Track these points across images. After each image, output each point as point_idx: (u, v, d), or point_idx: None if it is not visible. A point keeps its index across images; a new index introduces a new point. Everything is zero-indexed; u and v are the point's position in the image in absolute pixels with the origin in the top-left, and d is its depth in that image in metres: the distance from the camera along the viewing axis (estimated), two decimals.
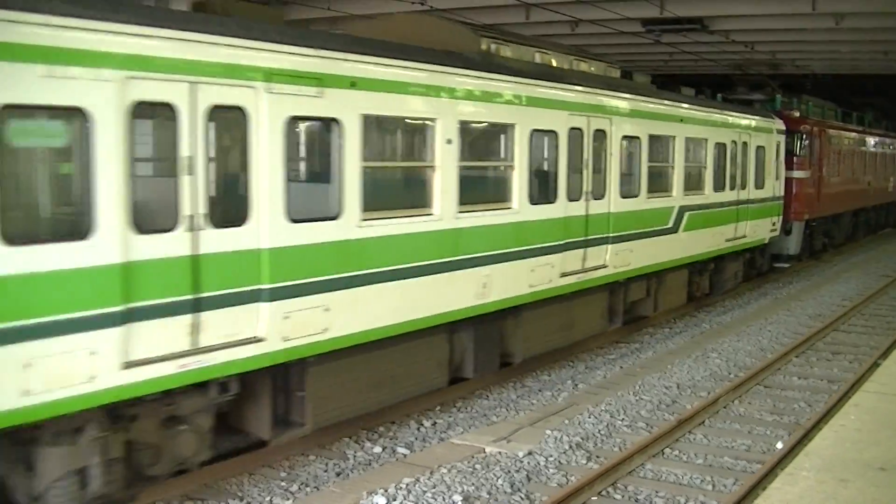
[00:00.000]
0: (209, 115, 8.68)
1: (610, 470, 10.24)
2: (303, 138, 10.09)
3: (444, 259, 11.68)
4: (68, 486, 7.97)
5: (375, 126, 10.95)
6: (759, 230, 23.36)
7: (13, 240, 7.11)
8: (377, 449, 11.45)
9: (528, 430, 11.75)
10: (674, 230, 18.10)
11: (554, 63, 15.24)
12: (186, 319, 8.45)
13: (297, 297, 9.55)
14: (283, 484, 10.27)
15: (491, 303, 12.70)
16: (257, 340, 9.18)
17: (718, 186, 20.28)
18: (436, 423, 12.62)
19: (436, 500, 9.54)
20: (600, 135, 15.17)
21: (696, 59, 32.79)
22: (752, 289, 24.90)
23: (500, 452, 10.94)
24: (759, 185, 23.06)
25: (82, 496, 8.06)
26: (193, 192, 8.53)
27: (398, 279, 10.95)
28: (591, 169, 14.83)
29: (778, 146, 24.66)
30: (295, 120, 9.69)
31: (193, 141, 8.54)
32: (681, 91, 20.67)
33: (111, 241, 7.79)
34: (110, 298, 7.78)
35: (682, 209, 18.41)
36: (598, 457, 11.02)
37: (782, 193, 25.21)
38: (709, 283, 21.54)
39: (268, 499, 9.88)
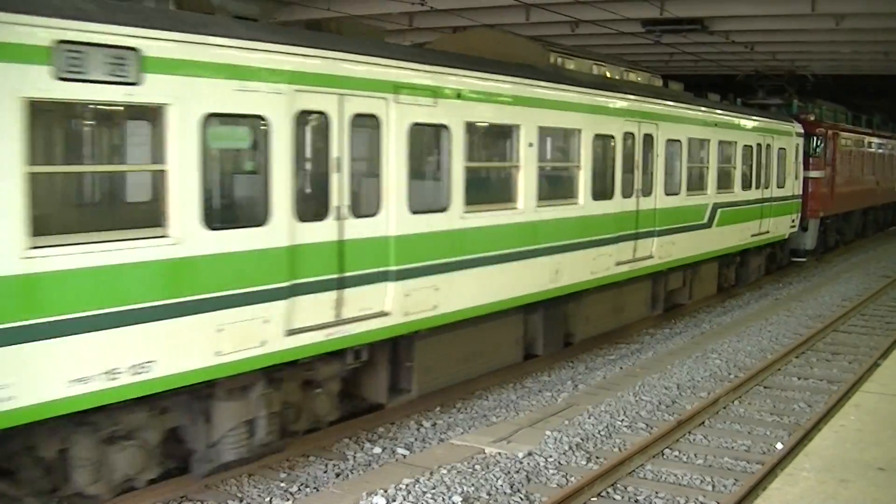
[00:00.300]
0: (352, 122, 10.37)
1: (610, 471, 10.25)
2: (420, 142, 11.63)
3: (526, 247, 13.49)
4: (239, 435, 9.57)
5: (474, 131, 12.68)
6: (781, 226, 25.32)
7: (212, 225, 8.75)
8: (377, 450, 11.47)
9: (528, 431, 11.75)
10: (708, 225, 20.04)
11: (608, 74, 17.19)
12: (333, 295, 10.19)
13: (415, 277, 11.35)
14: (282, 485, 10.30)
15: (561, 287, 14.54)
16: (384, 314, 10.94)
17: (746, 185, 22.24)
18: (435, 423, 12.63)
19: (435, 500, 9.56)
20: (648, 138, 17.08)
21: (697, 60, 32.83)
22: (753, 289, 24.92)
23: (499, 453, 10.94)
24: (781, 184, 25.02)
25: (250, 444, 9.71)
26: (340, 186, 10.26)
27: (490, 264, 12.73)
28: (641, 169, 16.74)
29: (797, 148, 26.56)
30: (415, 126, 11.31)
31: (341, 143, 10.26)
32: (708, 96, 21.98)
33: (281, 227, 9.51)
34: (280, 276, 9.51)
35: (716, 206, 20.33)
36: (597, 457, 11.02)
37: (801, 192, 27.15)
38: (735, 275, 23.45)
39: (267, 499, 9.91)
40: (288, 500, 9.91)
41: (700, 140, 19.47)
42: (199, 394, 9.21)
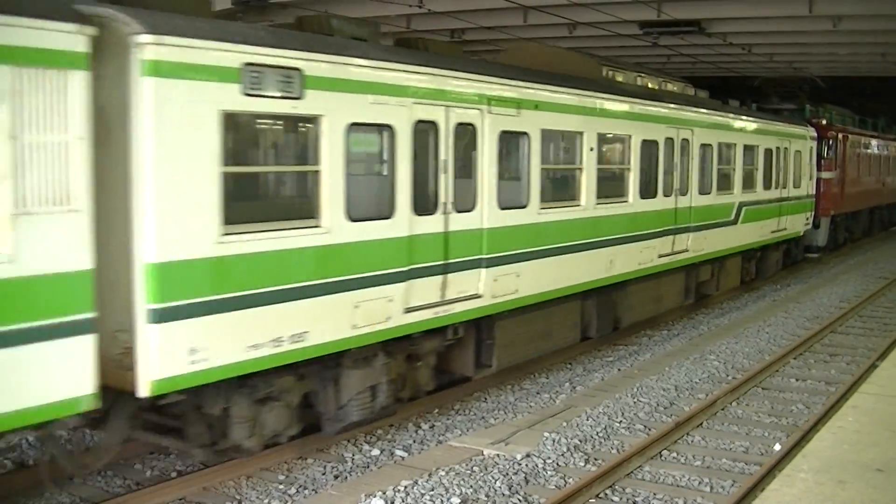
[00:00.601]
0: (455, 130, 12.24)
1: (608, 472, 10.29)
2: (506, 147, 13.43)
3: (587, 240, 15.44)
4: (363, 399, 11.21)
5: (547, 137, 14.46)
6: (796, 224, 27.42)
7: (352, 218, 10.58)
8: (375, 451, 11.49)
9: (526, 433, 11.78)
10: (734, 222, 22.10)
11: (649, 85, 19.24)
12: (439, 279, 12.03)
13: (502, 265, 13.20)
14: (281, 487, 10.31)
15: (614, 276, 16.50)
16: (478, 297, 12.80)
17: (766, 186, 24.25)
18: (434, 425, 12.65)
19: (434, 502, 9.58)
20: (685, 143, 19.04)
21: (694, 62, 32.82)
22: (750, 291, 24.96)
23: (498, 455, 10.96)
24: (797, 184, 26.99)
25: (372, 407, 11.39)
26: (446, 185, 12.09)
27: (559, 255, 14.66)
28: (679, 170, 18.68)
29: (811, 151, 28.52)
30: (503, 133, 13.17)
31: (447, 148, 12.09)
32: (728, 103, 23.74)
33: (403, 220, 11.34)
34: (402, 261, 11.36)
35: (741, 205, 22.36)
36: (596, 459, 11.04)
37: (814, 192, 29.07)
38: (755, 269, 25.46)
39: (266, 501, 9.94)
40: (286, 501, 9.96)
41: (728, 144, 21.49)
42: (329, 363, 10.81)
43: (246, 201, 9.94)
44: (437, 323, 12.12)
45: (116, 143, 8.45)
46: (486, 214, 12.80)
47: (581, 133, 15.18)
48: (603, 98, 15.83)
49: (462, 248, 12.34)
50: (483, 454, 11.01)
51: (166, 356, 8.64)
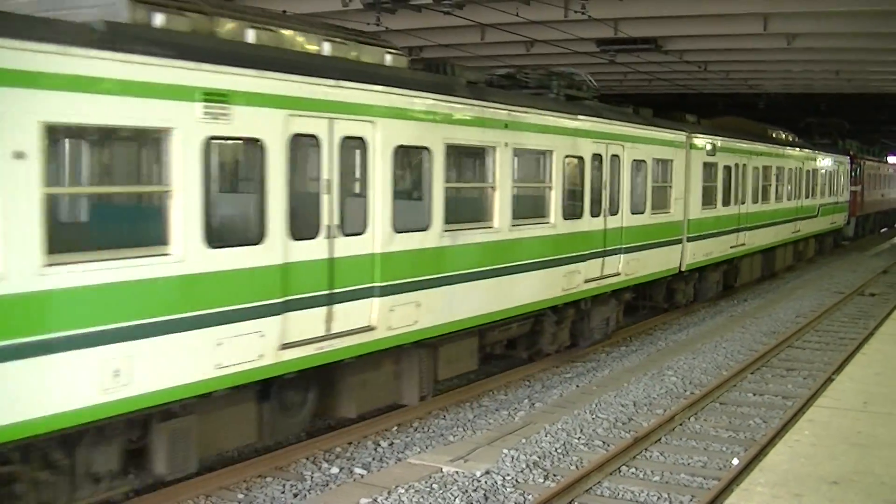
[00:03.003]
0: (741, 168, 26.05)
1: (567, 488, 10.29)
2: (757, 176, 27.99)
3: (770, 221, 29.04)
4: (714, 289, 25.68)
5: (763, 170, 28.19)
6: (839, 220, 42.37)
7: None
8: (334, 469, 11.42)
9: (485, 450, 11.77)
10: (816, 216, 36.54)
11: (787, 137, 34.00)
12: (733, 236, 25.78)
13: (751, 230, 27.13)
14: None
15: (776, 242, 30.51)
16: (743, 245, 26.21)
17: (830, 194, 39.32)
18: (393, 443, 12.61)
19: None
20: (800, 170, 33.35)
21: (650, 79, 33.15)
22: (708, 306, 25.15)
23: (457, 472, 10.93)
24: (842, 194, 42.43)
25: (716, 293, 26.10)
26: (735, 192, 25.86)
27: (762, 228, 28.26)
28: (800, 187, 33.34)
29: (847, 171, 44.01)
30: (754, 168, 27.18)
31: (749, 176, 26.66)
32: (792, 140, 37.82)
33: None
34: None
35: (820, 205, 37.05)
36: (555, 475, 11.04)
37: (847, 199, 44.31)
38: (819, 247, 39.55)
39: None
40: None
41: (815, 168, 35.85)
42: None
43: (706, 196, 23.07)
44: (729, 257, 25.57)
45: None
46: (747, 205, 26.53)
47: (771, 167, 28.96)
48: (778, 148, 30.41)
49: (743, 220, 26.10)
50: (442, 471, 10.99)
51: (688, 255, 21.85)
